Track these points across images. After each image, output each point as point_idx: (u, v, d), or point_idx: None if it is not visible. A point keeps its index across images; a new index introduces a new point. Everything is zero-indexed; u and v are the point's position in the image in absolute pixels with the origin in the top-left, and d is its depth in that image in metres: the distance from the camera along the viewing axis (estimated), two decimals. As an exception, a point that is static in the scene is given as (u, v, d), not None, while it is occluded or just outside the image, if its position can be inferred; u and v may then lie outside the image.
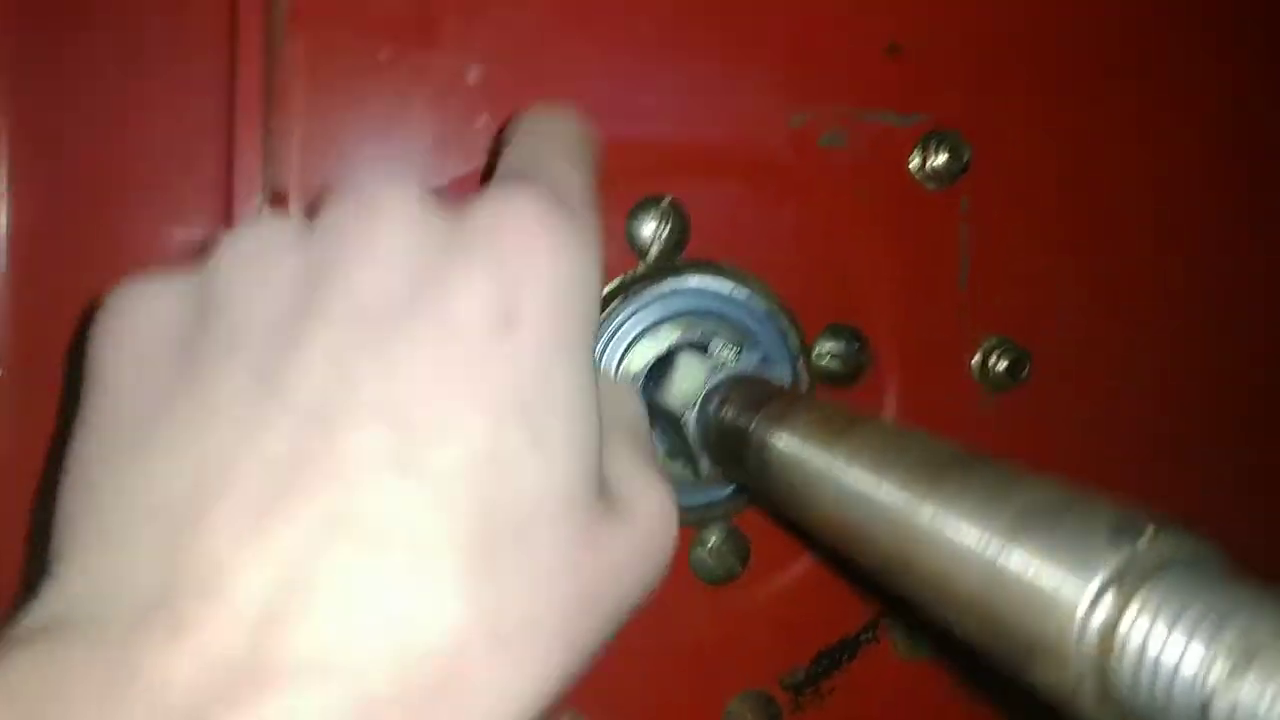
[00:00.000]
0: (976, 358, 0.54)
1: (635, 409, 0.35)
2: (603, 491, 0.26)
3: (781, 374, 0.50)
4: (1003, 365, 0.53)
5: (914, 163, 0.51)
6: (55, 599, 0.22)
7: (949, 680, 0.55)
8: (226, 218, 0.43)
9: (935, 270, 0.53)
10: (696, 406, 0.41)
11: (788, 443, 0.33)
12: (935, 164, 0.50)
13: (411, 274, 0.24)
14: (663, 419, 0.46)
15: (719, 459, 0.40)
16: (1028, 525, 0.22)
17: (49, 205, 0.45)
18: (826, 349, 0.51)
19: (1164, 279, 0.56)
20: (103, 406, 0.25)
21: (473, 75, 0.45)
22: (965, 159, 0.50)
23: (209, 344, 0.24)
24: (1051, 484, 0.23)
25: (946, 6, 0.51)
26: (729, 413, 0.38)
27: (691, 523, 0.51)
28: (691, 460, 0.43)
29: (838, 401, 0.34)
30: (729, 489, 0.50)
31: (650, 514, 0.28)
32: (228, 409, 0.23)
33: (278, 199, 0.43)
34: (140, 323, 0.26)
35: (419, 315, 0.24)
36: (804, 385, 0.51)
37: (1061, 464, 0.55)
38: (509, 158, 0.31)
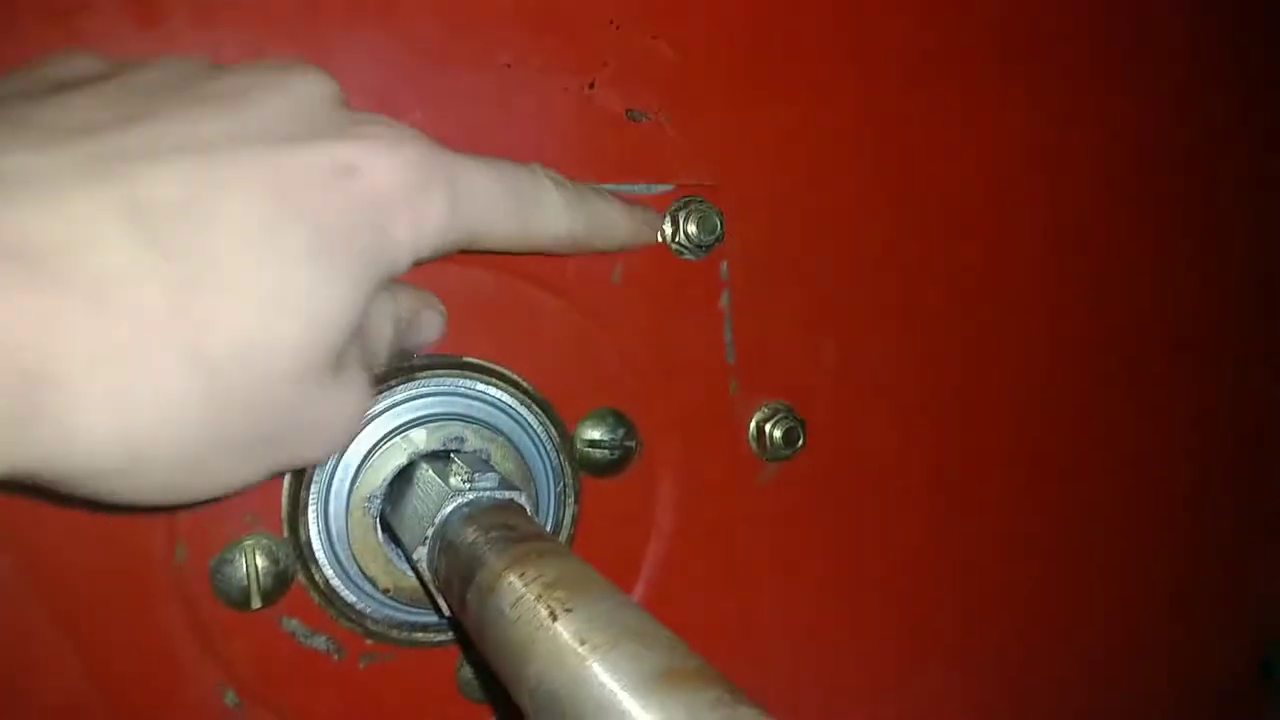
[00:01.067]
0: (752, 428, 0.51)
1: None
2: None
3: (538, 475, 0.46)
4: (778, 433, 0.51)
5: (666, 232, 0.48)
6: None
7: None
8: None
9: (701, 342, 0.50)
10: (426, 544, 0.37)
11: (497, 625, 0.29)
12: (685, 233, 0.47)
13: (294, 114, 0.28)
14: (403, 547, 0.41)
15: (453, 605, 0.36)
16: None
17: None
18: (588, 437, 0.48)
19: (931, 328, 0.55)
20: None
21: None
22: (718, 228, 0.47)
23: (85, 90, 0.27)
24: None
25: (685, 69, 0.48)
26: (453, 562, 0.34)
27: (456, 640, 0.46)
28: (433, 600, 0.38)
29: (563, 558, 0.30)
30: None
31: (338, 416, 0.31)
32: (79, 111, 0.26)
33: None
34: (46, 67, 0.29)
35: (271, 142, 0.26)
36: (568, 480, 0.47)
37: (847, 529, 0.53)
38: None
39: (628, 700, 0.22)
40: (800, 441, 0.51)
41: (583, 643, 0.25)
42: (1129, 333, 0.60)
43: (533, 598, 0.28)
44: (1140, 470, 0.60)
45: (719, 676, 0.23)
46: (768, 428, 0.51)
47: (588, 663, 0.24)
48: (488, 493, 0.38)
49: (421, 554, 0.37)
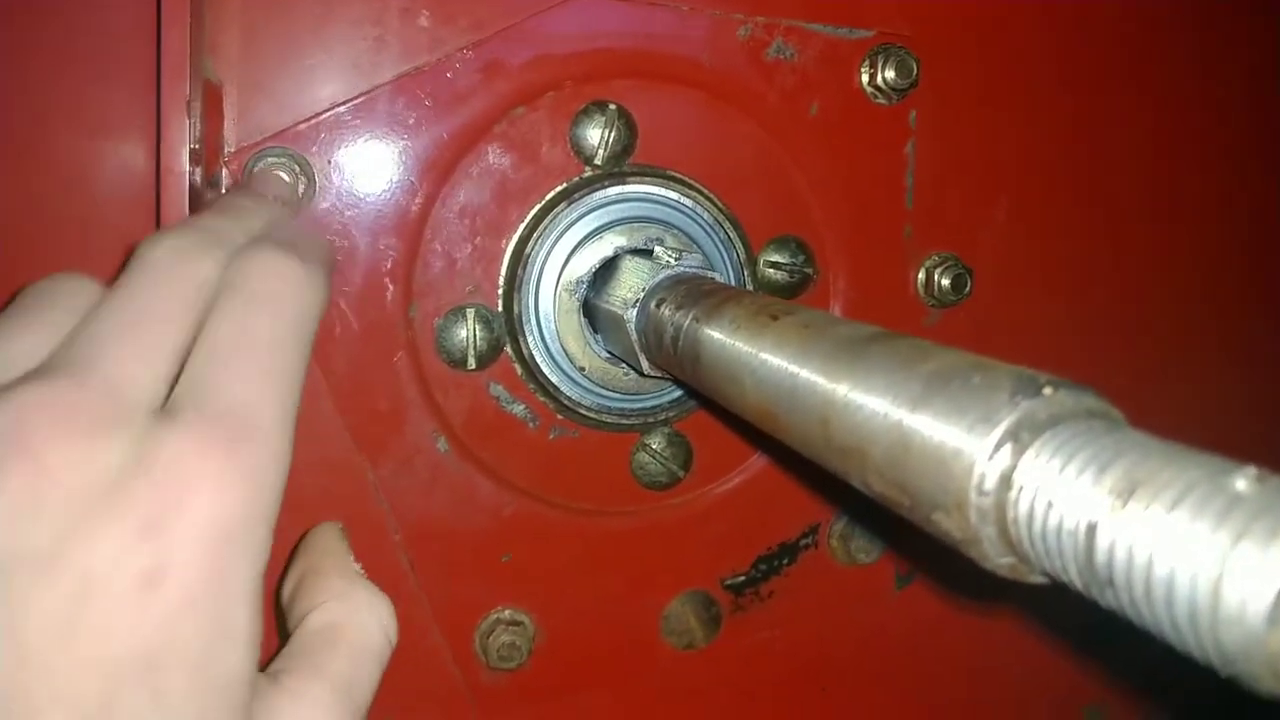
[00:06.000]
0: (921, 274, 0.55)
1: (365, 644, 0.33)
2: None
3: (725, 280, 0.50)
4: (947, 281, 0.54)
5: (862, 77, 0.51)
6: None
7: (885, 584, 0.56)
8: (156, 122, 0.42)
9: (883, 185, 0.53)
10: (637, 305, 0.42)
11: (719, 333, 0.33)
12: (884, 78, 0.50)
13: (61, 524, 0.24)
14: (605, 320, 0.46)
15: (657, 356, 0.41)
16: (935, 387, 0.23)
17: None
18: (771, 259, 0.52)
19: (1106, 196, 0.57)
20: None
21: (417, -31, 0.45)
22: (914, 74, 0.50)
23: None
24: (962, 353, 0.24)
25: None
26: (667, 310, 0.39)
27: (634, 428, 0.51)
28: (633, 360, 0.43)
29: (768, 297, 0.35)
30: (672, 394, 0.51)
31: None
32: None
33: (212, 94, 0.42)
34: None
35: (59, 569, 0.23)
36: (749, 295, 0.52)
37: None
38: (213, 332, 0.28)
39: (851, 349, 0.26)
40: (967, 290, 0.54)
41: (806, 326, 0.29)
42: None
43: (752, 312, 0.32)
44: None
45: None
46: (937, 274, 0.54)
47: (811, 336, 0.28)
48: (694, 269, 0.43)
49: (631, 315, 0.42)
